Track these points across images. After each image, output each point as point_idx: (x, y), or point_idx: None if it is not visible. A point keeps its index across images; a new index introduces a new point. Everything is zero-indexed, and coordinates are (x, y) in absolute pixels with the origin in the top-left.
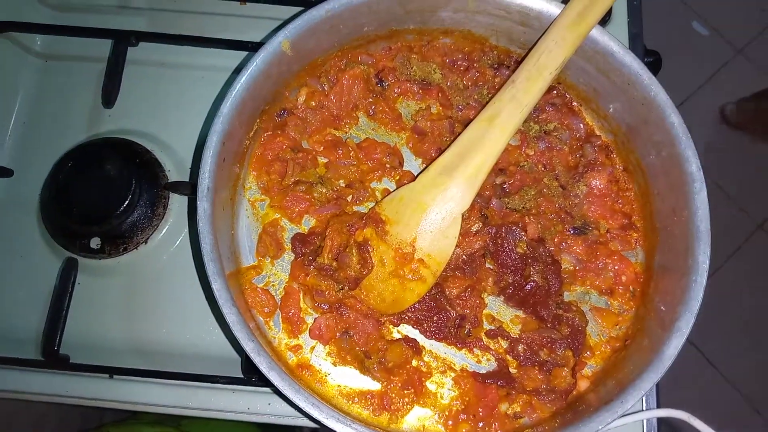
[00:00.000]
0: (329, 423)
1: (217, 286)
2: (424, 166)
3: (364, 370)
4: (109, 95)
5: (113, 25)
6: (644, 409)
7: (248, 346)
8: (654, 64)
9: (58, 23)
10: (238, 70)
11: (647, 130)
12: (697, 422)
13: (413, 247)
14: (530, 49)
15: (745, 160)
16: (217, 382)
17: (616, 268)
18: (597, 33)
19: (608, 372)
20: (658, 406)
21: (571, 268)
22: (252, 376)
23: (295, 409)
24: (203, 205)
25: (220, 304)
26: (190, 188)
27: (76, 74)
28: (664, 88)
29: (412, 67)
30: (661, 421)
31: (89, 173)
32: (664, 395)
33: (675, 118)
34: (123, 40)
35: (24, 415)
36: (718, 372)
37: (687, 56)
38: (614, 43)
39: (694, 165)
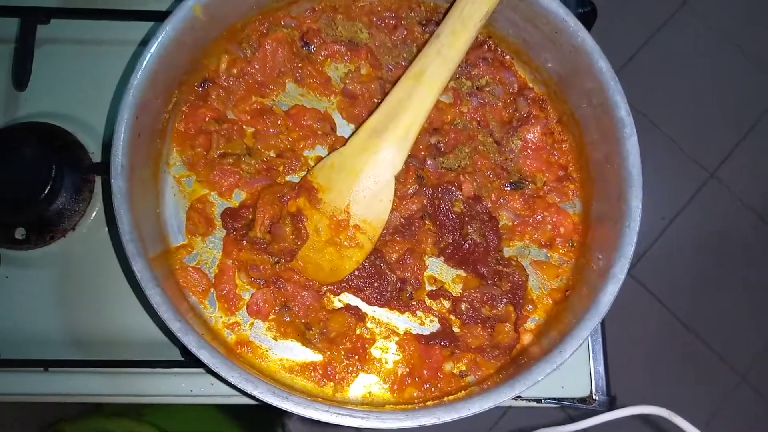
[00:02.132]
0: (265, 398)
1: (138, 267)
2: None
3: (306, 342)
4: (21, 77)
5: (20, 2)
6: (590, 408)
7: (175, 327)
8: (588, 15)
9: None
10: (145, 42)
11: (578, 79)
12: (678, 419)
13: (348, 213)
14: (454, 2)
15: (694, 110)
16: (157, 367)
17: (554, 220)
18: None
19: (550, 324)
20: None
21: (510, 223)
22: (192, 358)
23: (233, 388)
24: (118, 184)
25: (143, 286)
26: (103, 168)
27: None
28: (604, 46)
29: (337, 28)
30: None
31: (6, 161)
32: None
33: (603, 64)
34: (31, 18)
35: None
36: (677, 319)
37: (632, 9)
38: None
39: (623, 110)
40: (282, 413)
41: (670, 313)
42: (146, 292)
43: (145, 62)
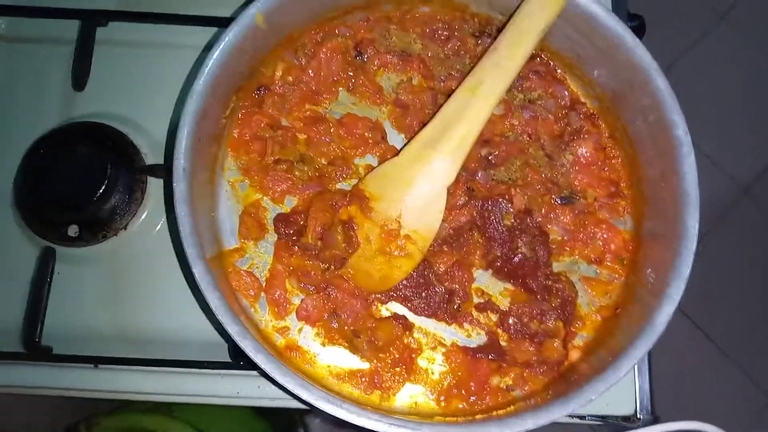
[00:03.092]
0: (319, 404)
1: (198, 270)
2: (408, 140)
3: (354, 349)
4: (80, 78)
5: (80, 5)
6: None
7: (233, 330)
8: (638, 29)
9: (22, 4)
10: (209, 47)
11: (633, 96)
12: None
13: (399, 223)
14: (512, 15)
15: (729, 125)
16: (205, 368)
17: (605, 236)
18: None
19: (600, 341)
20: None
21: (560, 238)
22: (240, 360)
23: (285, 392)
24: (180, 188)
25: (202, 289)
26: (165, 171)
27: (44, 57)
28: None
29: (391, 38)
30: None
31: (63, 159)
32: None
33: (661, 82)
34: (91, 20)
35: (18, 408)
36: (708, 338)
37: (670, 23)
38: (596, 5)
39: (681, 129)
40: (305, 413)
41: (703, 334)
42: (206, 294)
43: (207, 69)
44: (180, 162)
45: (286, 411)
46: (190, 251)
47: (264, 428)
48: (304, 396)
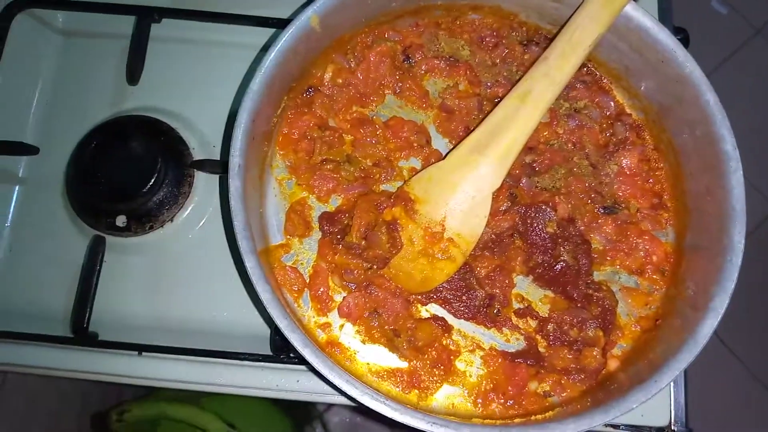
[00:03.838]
0: (364, 400)
1: (250, 264)
2: (452, 144)
3: (393, 348)
4: (134, 72)
5: (136, 1)
6: None
7: (282, 324)
8: (682, 42)
9: None
10: (265, 48)
11: (681, 109)
12: None
13: (443, 226)
14: (563, 26)
15: (760, 138)
16: (246, 360)
17: (647, 247)
18: (631, 9)
19: (639, 352)
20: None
21: (601, 247)
22: (281, 353)
23: (330, 386)
24: (235, 183)
25: (254, 282)
26: (220, 166)
27: (98, 51)
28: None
29: (439, 44)
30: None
31: (114, 151)
32: None
33: (710, 96)
34: (146, 17)
35: (49, 393)
36: (734, 354)
37: (706, 35)
38: (649, 19)
39: (729, 144)
40: (325, 410)
41: (728, 350)
42: (257, 287)
43: (264, 69)
44: (236, 159)
45: (307, 406)
46: (243, 245)
47: (285, 422)
48: (350, 391)
